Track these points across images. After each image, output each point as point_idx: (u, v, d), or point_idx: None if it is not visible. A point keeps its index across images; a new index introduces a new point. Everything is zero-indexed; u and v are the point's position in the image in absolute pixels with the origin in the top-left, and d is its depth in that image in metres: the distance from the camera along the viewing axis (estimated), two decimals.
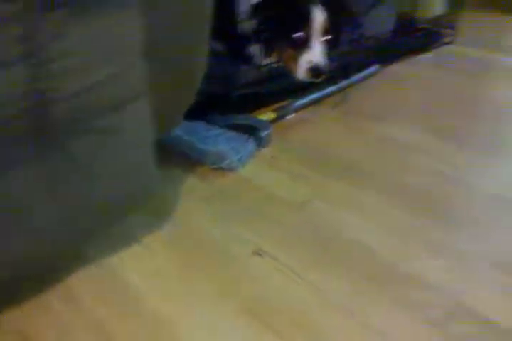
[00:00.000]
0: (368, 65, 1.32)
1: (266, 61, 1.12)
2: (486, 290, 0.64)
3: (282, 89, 1.09)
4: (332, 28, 1.06)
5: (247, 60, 1.12)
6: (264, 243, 0.70)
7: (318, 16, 1.03)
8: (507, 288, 0.64)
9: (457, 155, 0.96)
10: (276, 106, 1.07)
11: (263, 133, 0.96)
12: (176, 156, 0.89)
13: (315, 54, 1.03)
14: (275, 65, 1.10)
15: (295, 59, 1.04)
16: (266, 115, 1.04)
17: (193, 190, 0.82)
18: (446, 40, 1.60)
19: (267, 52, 1.10)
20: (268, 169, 0.89)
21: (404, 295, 0.62)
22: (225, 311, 0.59)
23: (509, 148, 1.01)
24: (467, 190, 0.85)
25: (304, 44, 1.03)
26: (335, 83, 1.19)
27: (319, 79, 1.06)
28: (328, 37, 1.05)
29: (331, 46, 1.07)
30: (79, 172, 0.55)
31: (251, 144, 0.93)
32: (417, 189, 0.85)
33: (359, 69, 1.29)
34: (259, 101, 1.06)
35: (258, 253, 0.68)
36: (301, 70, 1.04)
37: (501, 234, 0.75)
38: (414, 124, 1.09)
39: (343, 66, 1.21)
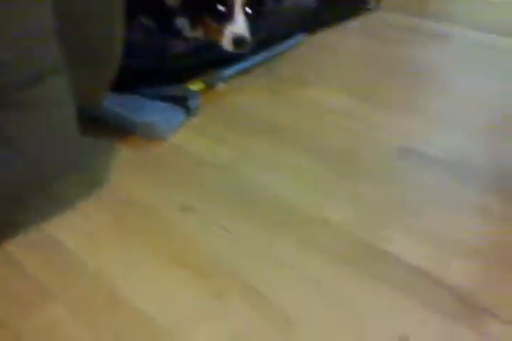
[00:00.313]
0: (294, 34, 1.37)
1: (193, 34, 1.16)
2: (392, 231, 0.73)
3: (211, 60, 1.14)
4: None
5: (175, 33, 1.16)
6: (193, 202, 0.77)
7: None
8: (412, 230, 0.73)
9: (374, 114, 1.05)
10: (206, 76, 1.12)
11: (192, 103, 1.01)
12: (109, 128, 0.93)
13: (238, 26, 1.08)
14: (202, 37, 1.15)
15: (219, 31, 1.09)
16: (195, 85, 1.09)
17: (126, 159, 0.87)
18: (371, 7, 1.67)
19: (193, 26, 1.15)
20: (197, 136, 0.96)
21: (323, 240, 0.71)
22: (159, 265, 0.66)
23: (423, 107, 1.10)
24: (382, 146, 0.94)
25: (227, 16, 1.08)
26: (262, 52, 1.25)
27: (244, 50, 1.11)
28: (250, 9, 1.10)
29: (254, 17, 1.12)
30: (5, 145, 0.59)
31: (181, 114, 0.98)
32: (336, 147, 0.93)
33: (285, 39, 1.34)
34: (189, 73, 1.10)
35: (187, 211, 0.75)
36: (226, 42, 1.09)
37: (408, 182, 0.85)
38: (337, 88, 1.17)
39: (268, 36, 1.26)
